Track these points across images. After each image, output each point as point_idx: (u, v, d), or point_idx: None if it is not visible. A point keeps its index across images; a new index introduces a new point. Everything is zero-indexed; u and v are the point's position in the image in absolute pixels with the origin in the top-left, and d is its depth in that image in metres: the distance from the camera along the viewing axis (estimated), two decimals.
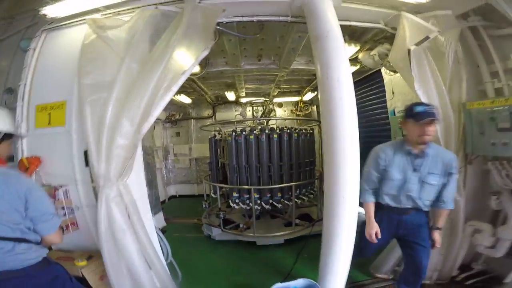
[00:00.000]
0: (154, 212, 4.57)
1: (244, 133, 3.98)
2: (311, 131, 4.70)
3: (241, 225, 4.14)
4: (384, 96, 3.68)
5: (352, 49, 3.19)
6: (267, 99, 5.50)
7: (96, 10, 2.19)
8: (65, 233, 2.28)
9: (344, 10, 2.27)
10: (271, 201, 3.92)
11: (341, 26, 2.11)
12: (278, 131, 3.99)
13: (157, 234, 2.49)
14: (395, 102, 3.39)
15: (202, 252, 3.79)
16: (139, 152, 2.37)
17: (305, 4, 2.09)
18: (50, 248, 2.54)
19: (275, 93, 5.71)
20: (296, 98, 6.45)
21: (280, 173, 4.00)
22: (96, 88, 1.91)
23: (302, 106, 6.49)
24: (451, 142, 2.31)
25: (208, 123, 6.28)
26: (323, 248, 2.26)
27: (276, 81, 4.74)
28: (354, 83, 4.37)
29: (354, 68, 3.81)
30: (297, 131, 4.13)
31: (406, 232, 2.06)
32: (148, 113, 1.86)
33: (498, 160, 2.22)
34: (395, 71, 3.22)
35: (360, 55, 3.31)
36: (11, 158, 2.30)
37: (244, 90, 5.29)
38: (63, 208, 2.29)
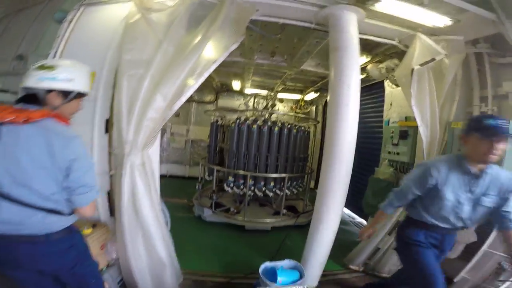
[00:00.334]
0: None
1: (247, 122, 4.20)
2: (308, 130, 5.00)
3: (231, 209, 4.41)
4: (383, 106, 3.98)
5: (363, 59, 3.47)
6: (270, 94, 5.71)
7: None
8: None
9: (365, 25, 2.48)
10: (264, 188, 4.19)
11: (359, 38, 2.34)
12: (279, 125, 4.23)
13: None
14: (391, 113, 3.71)
15: (192, 231, 3.97)
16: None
17: (331, 16, 2.30)
18: None
19: (279, 89, 5.93)
20: (298, 96, 6.72)
21: (276, 163, 4.26)
22: (134, 64, 2.04)
23: (302, 104, 6.77)
24: (433, 155, 2.66)
25: (209, 108, 6.43)
26: (310, 234, 2.57)
27: (283, 78, 4.96)
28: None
29: (361, 76, 4.11)
30: (296, 127, 4.41)
31: (444, 248, 1.92)
32: (181, 93, 2.04)
33: None
34: (397, 85, 3.49)
35: (369, 66, 3.58)
36: None
37: (250, 81, 5.46)
38: None
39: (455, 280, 2.52)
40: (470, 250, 2.55)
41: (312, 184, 7.23)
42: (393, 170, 3.50)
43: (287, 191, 4.32)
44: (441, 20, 2.32)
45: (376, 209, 3.52)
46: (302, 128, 4.61)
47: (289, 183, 4.39)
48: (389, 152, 3.46)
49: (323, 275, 2.81)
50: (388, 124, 3.64)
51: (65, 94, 1.34)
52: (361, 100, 4.78)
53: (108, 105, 2.33)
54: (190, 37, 2.14)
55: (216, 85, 6.33)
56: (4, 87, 4.27)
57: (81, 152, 1.31)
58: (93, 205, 1.39)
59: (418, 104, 2.54)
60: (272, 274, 2.42)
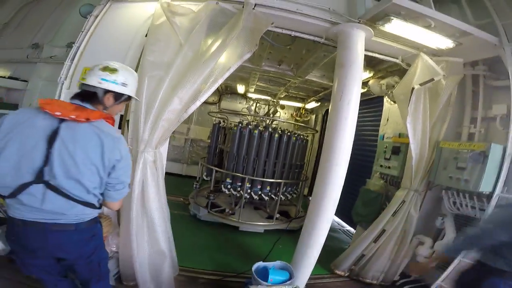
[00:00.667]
0: None
1: (249, 126, 4.33)
2: (307, 138, 5.15)
3: (227, 210, 4.50)
4: (379, 120, 4.17)
5: (366, 74, 3.65)
6: (274, 100, 5.87)
7: None
8: None
9: (372, 43, 2.65)
10: (260, 192, 4.30)
11: (365, 55, 2.48)
12: (280, 131, 4.38)
13: None
14: (386, 129, 3.90)
15: (187, 229, 4.05)
16: None
17: (341, 33, 2.47)
18: None
19: (282, 96, 6.09)
20: (300, 104, 6.89)
21: (274, 169, 4.40)
22: (156, 65, 2.14)
23: (303, 112, 6.94)
24: (420, 171, 2.84)
25: (212, 109, 6.54)
26: (301, 237, 2.68)
27: (287, 86, 5.13)
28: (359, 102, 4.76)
29: (362, 91, 4.30)
30: (296, 135, 4.56)
31: None
32: (196, 97, 2.16)
33: (450, 190, 2.76)
34: (395, 102, 3.62)
35: (371, 82, 3.77)
36: None
37: (254, 86, 5.61)
38: None
39: (432, 287, 2.65)
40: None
41: (306, 191, 7.38)
42: (383, 182, 3.67)
43: (281, 196, 4.44)
44: (444, 43, 2.50)
45: (364, 218, 3.72)
46: (301, 136, 4.76)
47: (284, 189, 4.51)
48: (381, 166, 3.64)
49: (310, 279, 2.89)
50: (383, 139, 3.82)
51: (118, 96, 1.46)
52: (360, 113, 5.04)
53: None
54: (208, 43, 2.28)
55: (220, 87, 6.46)
56: (14, 74, 4.34)
57: (125, 153, 1.41)
58: (122, 201, 1.50)
59: (413, 123, 2.71)
60: (263, 274, 2.53)
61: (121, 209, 2.32)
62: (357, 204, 4.06)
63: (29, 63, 4.18)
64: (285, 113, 7.33)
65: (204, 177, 4.91)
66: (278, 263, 2.81)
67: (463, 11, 2.78)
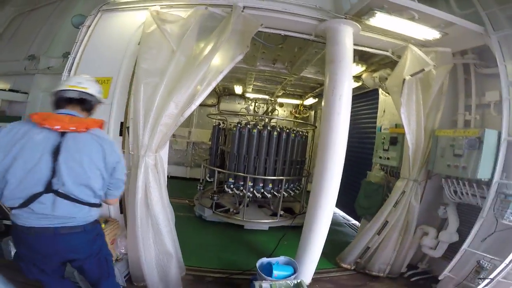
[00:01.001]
0: None
1: (248, 126, 4.39)
2: (306, 134, 5.18)
3: (231, 209, 4.57)
4: (376, 113, 4.20)
5: (359, 68, 3.69)
6: (272, 99, 5.92)
7: (154, 0, 2.48)
8: None
9: (361, 37, 2.69)
10: (262, 190, 4.35)
11: (355, 49, 2.54)
12: (278, 129, 4.42)
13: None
14: (383, 120, 3.93)
15: (193, 230, 4.14)
16: None
17: (329, 29, 2.52)
18: None
19: (280, 94, 6.14)
20: (298, 101, 6.92)
21: (274, 166, 4.44)
22: (150, 72, 2.22)
23: (301, 109, 6.98)
24: (417, 160, 2.86)
25: (211, 111, 6.61)
26: (303, 232, 2.73)
27: (283, 83, 5.17)
28: (355, 96, 4.92)
29: (357, 84, 4.33)
30: (294, 132, 4.60)
31: None
32: (191, 101, 2.24)
33: (450, 178, 2.77)
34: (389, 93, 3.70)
35: (364, 75, 3.80)
36: None
37: (251, 86, 5.66)
38: None
39: (439, 278, 2.69)
40: (453, 249, 2.74)
41: (309, 187, 7.42)
42: (384, 174, 3.70)
43: (284, 193, 4.48)
44: (431, 33, 2.53)
45: (367, 211, 3.74)
46: (300, 132, 4.80)
47: (287, 186, 4.56)
48: (380, 157, 3.66)
49: (316, 273, 2.94)
50: (381, 130, 3.84)
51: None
52: (357, 107, 5.10)
53: (123, 109, 2.53)
54: (200, 47, 2.35)
55: (218, 89, 6.53)
56: (14, 86, 4.45)
57: (121, 154, 1.58)
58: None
59: (406, 113, 2.75)
60: (268, 269, 2.59)
61: (127, 212, 2.41)
62: (359, 196, 4.10)
63: (27, 75, 4.27)
64: (284, 111, 7.37)
65: (208, 179, 4.98)
66: (282, 258, 2.87)
67: (448, 2, 2.79)
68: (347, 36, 2.45)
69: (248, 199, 4.74)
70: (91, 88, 1.56)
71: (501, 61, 2.40)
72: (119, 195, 1.64)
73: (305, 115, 7.25)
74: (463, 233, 2.78)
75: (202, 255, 3.31)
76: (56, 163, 1.31)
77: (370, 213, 3.61)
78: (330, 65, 2.48)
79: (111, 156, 1.47)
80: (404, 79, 2.62)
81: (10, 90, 4.34)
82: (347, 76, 2.45)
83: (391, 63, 3.25)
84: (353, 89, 4.69)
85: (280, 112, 7.21)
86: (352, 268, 3.24)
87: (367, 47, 2.87)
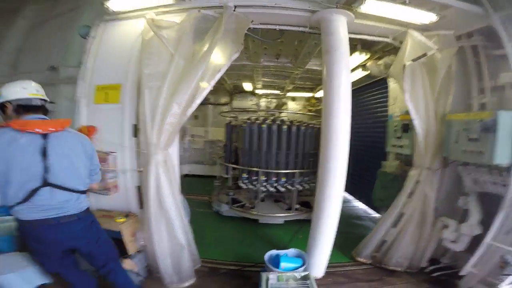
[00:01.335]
0: None
1: (258, 121, 4.45)
2: (319, 126, 5.09)
3: (246, 204, 4.69)
4: (387, 101, 4.03)
5: (363, 57, 3.57)
6: (281, 93, 5.91)
7: (151, 8, 2.62)
8: (109, 194, 2.79)
9: (358, 25, 2.63)
10: (275, 184, 4.40)
11: (353, 38, 2.48)
12: (288, 123, 4.42)
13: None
14: (394, 108, 3.75)
15: (211, 224, 4.33)
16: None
17: (322, 20, 2.49)
18: None
19: (290, 88, 6.10)
20: (309, 94, 6.83)
21: (286, 160, 4.46)
22: (152, 77, 2.38)
23: (314, 102, 6.87)
24: (430, 147, 2.72)
25: (224, 109, 6.77)
26: (312, 225, 2.76)
27: (291, 77, 5.13)
28: (366, 85, 4.76)
29: (364, 73, 4.18)
30: (304, 125, 4.57)
31: None
32: (192, 100, 2.36)
33: (468, 165, 2.57)
34: None
35: (369, 63, 3.68)
36: None
37: (260, 82, 5.70)
38: (111, 171, 2.77)
39: (461, 273, 2.52)
40: (477, 243, 2.51)
41: None
42: (398, 163, 3.56)
43: (298, 186, 4.49)
44: (427, 17, 2.41)
45: (384, 202, 3.63)
46: (311, 125, 4.75)
47: (301, 179, 4.56)
48: (394, 145, 3.53)
49: (331, 267, 2.94)
50: (392, 118, 3.68)
51: None
52: (369, 96, 4.90)
53: (134, 112, 2.72)
54: (197, 49, 2.45)
55: (229, 88, 6.67)
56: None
57: (93, 144, 1.90)
58: None
59: (412, 99, 2.63)
60: (278, 262, 2.65)
61: (144, 206, 2.60)
62: (376, 188, 3.99)
63: (50, 85, 4.59)
64: (297, 105, 7.30)
65: (224, 175, 5.14)
66: (292, 250, 2.90)
67: None
68: (340, 26, 2.41)
69: (264, 194, 4.84)
70: (44, 95, 1.78)
71: (507, 41, 2.21)
72: (100, 178, 2.00)
73: (318, 108, 7.12)
74: (488, 225, 2.52)
75: (218, 249, 3.46)
76: (46, 160, 1.56)
77: (387, 204, 3.46)
78: (326, 56, 2.45)
79: (89, 147, 1.79)
80: (404, 65, 2.50)
81: None
82: (344, 65, 2.42)
83: (395, 50, 3.11)
84: (363, 79, 4.63)
85: (293, 106, 7.17)
86: (369, 262, 3.14)
87: (366, 34, 2.80)
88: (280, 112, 4.86)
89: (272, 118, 4.66)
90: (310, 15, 2.50)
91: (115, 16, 2.80)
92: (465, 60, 2.82)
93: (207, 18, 2.53)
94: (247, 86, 6.12)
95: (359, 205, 5.59)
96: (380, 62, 3.43)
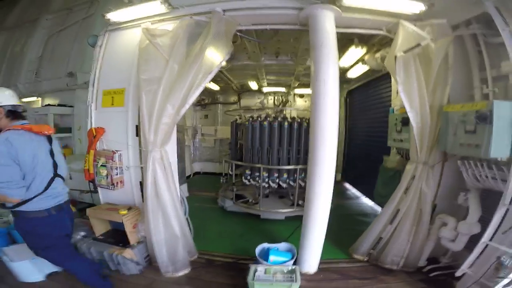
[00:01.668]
0: (180, 182, 5.42)
1: (259, 119, 4.53)
2: None
3: (250, 200, 4.80)
4: (390, 95, 3.92)
5: (360, 51, 3.51)
6: (287, 90, 5.92)
7: (146, 18, 2.83)
8: (115, 189, 3.07)
9: (346, 20, 2.62)
10: (277, 180, 4.46)
11: (347, 32, 2.49)
12: (289, 119, 4.46)
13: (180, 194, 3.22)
14: (396, 102, 3.65)
15: (214, 219, 4.49)
16: (174, 129, 3.08)
17: (309, 16, 2.52)
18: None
19: (296, 85, 6.09)
20: None
21: (288, 156, 4.50)
22: (149, 82, 2.57)
23: None
24: (425, 141, 2.64)
25: (233, 108, 6.94)
26: (303, 220, 2.79)
27: (295, 74, 5.14)
28: (371, 80, 4.66)
29: (367, 67, 4.11)
30: (306, 121, 4.57)
31: None
32: (185, 101, 2.52)
33: (467, 160, 2.45)
34: None
35: (366, 57, 3.61)
36: None
37: (265, 80, 5.77)
38: (116, 168, 3.06)
39: (456, 274, 2.39)
40: (475, 243, 2.37)
41: (338, 177, 7.20)
42: (399, 158, 3.47)
43: (301, 182, 4.50)
44: (416, 6, 2.35)
45: (385, 199, 3.55)
46: None
47: (303, 174, 4.57)
48: (394, 140, 3.44)
49: (325, 263, 2.96)
50: (393, 112, 3.59)
51: None
52: (376, 90, 4.78)
53: (136, 114, 2.94)
54: (190, 53, 2.59)
55: (236, 87, 6.80)
56: (62, 102, 5.34)
57: None
58: None
59: (406, 91, 2.57)
60: (268, 255, 2.74)
61: (144, 200, 2.79)
62: (378, 184, 3.93)
63: (69, 90, 5.03)
64: (306, 101, 7.24)
65: (230, 172, 5.29)
66: (283, 245, 2.98)
67: None
68: (327, 21, 2.42)
69: (268, 190, 4.92)
70: None
71: (503, 27, 2.10)
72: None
73: None
74: (485, 223, 2.40)
75: (218, 242, 3.59)
76: (53, 157, 1.99)
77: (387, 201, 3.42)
78: (313, 52, 2.48)
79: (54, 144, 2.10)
80: (396, 56, 2.45)
81: (58, 105, 5.24)
82: (331, 60, 2.42)
83: (391, 42, 3.02)
84: (369, 73, 4.51)
85: (301, 102, 7.13)
86: (365, 259, 3.09)
87: (358, 28, 2.76)
88: (284, 110, 4.89)
89: (274, 115, 4.71)
90: (298, 12, 2.54)
91: (117, 26, 3.05)
92: (465, 49, 2.69)
93: (199, 24, 2.67)
94: (253, 85, 6.21)
95: (368, 202, 5.48)
96: (377, 55, 3.36)
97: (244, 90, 7.14)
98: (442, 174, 2.86)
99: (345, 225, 4.25)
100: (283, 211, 4.42)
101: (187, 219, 3.38)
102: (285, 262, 2.66)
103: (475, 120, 2.21)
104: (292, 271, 2.47)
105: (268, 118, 4.47)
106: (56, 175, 1.98)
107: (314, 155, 2.56)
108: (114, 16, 2.92)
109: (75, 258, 2.18)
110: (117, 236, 2.99)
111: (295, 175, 4.45)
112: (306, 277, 2.74)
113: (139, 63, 2.62)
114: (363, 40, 3.40)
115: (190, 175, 7.60)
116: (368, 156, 5.37)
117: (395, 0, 2.29)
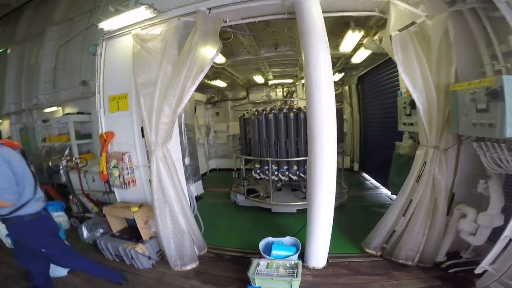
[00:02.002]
0: (194, 180, 5.60)
1: (264, 112, 4.49)
2: None
3: (262, 194, 4.81)
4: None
5: (358, 35, 3.33)
6: (293, 81, 5.77)
7: (137, 24, 2.92)
8: (127, 188, 3.28)
9: (335, 3, 2.50)
10: (287, 173, 4.40)
11: (340, 16, 2.42)
12: (295, 110, 4.35)
13: (188, 191, 3.33)
14: (403, 84, 3.39)
15: (226, 214, 4.58)
16: (176, 127, 3.19)
17: (294, 3, 2.43)
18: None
19: (302, 75, 5.91)
20: None
21: (296, 147, 4.40)
22: (145, 85, 2.67)
23: None
24: (434, 123, 2.43)
25: (238, 104, 6.95)
26: (308, 214, 2.75)
27: (299, 64, 4.99)
28: (380, 65, 4.36)
29: (369, 52, 3.88)
30: None
31: None
32: (180, 100, 2.58)
33: (483, 141, 2.19)
34: None
35: (365, 40, 3.41)
36: None
37: (270, 73, 5.67)
38: (127, 168, 3.26)
39: (475, 271, 2.17)
40: (499, 235, 2.11)
41: (356, 167, 6.94)
42: (412, 142, 3.24)
43: None
44: None
45: (399, 188, 3.34)
46: None
47: None
48: (404, 124, 3.22)
49: (336, 257, 2.91)
50: (401, 95, 3.35)
51: None
52: (383, 75, 4.50)
53: (140, 116, 3.02)
54: (181, 54, 2.64)
55: (243, 82, 6.77)
56: (80, 109, 5.69)
57: None
58: None
59: (407, 71, 2.39)
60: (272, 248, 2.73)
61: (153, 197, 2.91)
62: (392, 172, 3.74)
63: (85, 98, 5.31)
64: None
65: (241, 167, 5.32)
66: (287, 239, 2.95)
67: None
68: (312, 6, 2.32)
69: (281, 183, 4.89)
70: None
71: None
72: None
73: (337, 92, 6.76)
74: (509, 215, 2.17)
75: (228, 237, 3.66)
76: (30, 167, 2.16)
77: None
78: (301, 39, 2.40)
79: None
80: (390, 36, 2.28)
81: (77, 113, 5.59)
82: (320, 46, 2.33)
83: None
84: (377, 58, 4.24)
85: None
86: (378, 254, 2.92)
87: (350, 11, 2.61)
88: (290, 100, 4.78)
89: (279, 107, 4.62)
90: (282, 1, 2.46)
91: (111, 34, 3.19)
92: (467, 24, 2.43)
93: (187, 24, 2.70)
94: (258, 79, 6.15)
95: (387, 192, 5.22)
96: (376, 37, 3.15)
97: (252, 85, 7.10)
98: (458, 159, 2.62)
99: (360, 217, 4.10)
100: (294, 204, 4.38)
101: (196, 215, 3.50)
102: (288, 256, 2.64)
103: (486, 97, 1.99)
104: (295, 266, 2.44)
105: (273, 110, 4.41)
106: (36, 181, 2.19)
107: (312, 146, 2.50)
108: (105, 25, 3.06)
109: (78, 256, 2.39)
110: (132, 232, 3.20)
111: (305, 167, 4.36)
112: (313, 272, 2.72)
113: (134, 68, 2.72)
114: (359, 23, 3.21)
115: (206, 172, 7.78)
116: (384, 144, 5.10)
117: None
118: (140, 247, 2.86)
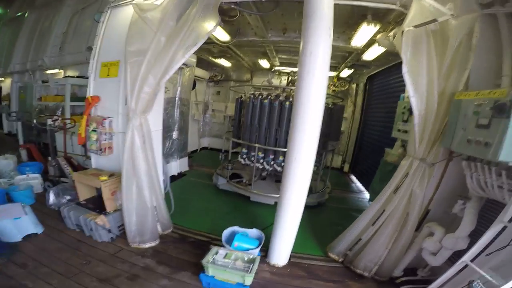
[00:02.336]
0: (180, 156, 5.49)
1: (261, 97, 4.29)
2: (331, 106, 4.67)
3: (244, 180, 4.71)
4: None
5: (373, 29, 3.08)
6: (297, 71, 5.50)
7: None
8: (102, 154, 3.16)
9: None
10: (272, 162, 4.25)
11: (359, 6, 2.26)
12: (291, 100, 4.14)
13: (162, 166, 3.20)
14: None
15: (204, 195, 4.51)
16: (161, 98, 3.11)
17: None
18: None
19: None
20: (333, 73, 6.26)
21: (286, 138, 4.17)
22: (136, 53, 2.55)
23: (335, 81, 6.30)
24: (426, 133, 2.27)
25: (239, 85, 6.79)
26: (277, 210, 2.63)
27: None
28: (392, 66, 4.04)
29: (383, 49, 3.64)
30: None
31: None
32: (166, 72, 2.48)
33: (473, 161, 2.04)
34: None
35: (378, 36, 3.16)
36: None
37: (277, 59, 5.42)
38: (105, 134, 3.14)
39: None
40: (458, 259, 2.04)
41: (346, 168, 6.81)
42: (401, 151, 3.08)
43: None
44: None
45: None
46: None
47: None
48: (399, 130, 3.04)
49: (298, 257, 2.84)
50: (403, 99, 3.15)
51: None
52: (394, 78, 4.27)
53: None
54: (176, 25, 2.49)
55: (249, 65, 6.53)
56: (81, 74, 5.71)
57: None
58: None
59: (411, 71, 2.18)
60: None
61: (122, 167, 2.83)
62: (375, 178, 3.60)
63: (87, 63, 5.27)
64: None
65: (228, 149, 5.20)
66: (253, 231, 2.86)
67: None
68: None
69: (266, 172, 4.78)
70: None
71: None
72: None
73: (343, 88, 6.51)
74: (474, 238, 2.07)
75: (199, 219, 3.56)
76: None
77: None
78: (304, 20, 2.18)
79: None
80: (402, 31, 2.07)
81: (77, 76, 5.57)
82: (323, 31, 2.11)
83: None
84: (389, 59, 3.99)
85: None
86: (340, 260, 2.85)
87: (369, 1, 2.41)
88: (289, 89, 4.56)
89: (276, 94, 4.41)
90: None
91: (118, 3, 3.13)
92: (497, 30, 2.18)
93: None
94: (264, 63, 5.91)
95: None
96: (391, 34, 2.90)
97: (257, 69, 6.86)
98: (443, 176, 2.48)
99: (335, 219, 4.02)
100: (273, 196, 4.28)
101: (168, 192, 3.41)
102: (249, 249, 2.55)
103: (491, 111, 1.78)
104: (253, 260, 2.36)
105: (269, 97, 4.22)
106: None
107: (292, 137, 2.35)
108: None
109: None
110: (99, 202, 3.01)
111: None
112: (273, 269, 2.64)
113: (127, 36, 2.61)
114: (377, 16, 2.95)
115: (197, 150, 7.69)
116: (379, 149, 4.92)
117: None
118: (101, 219, 2.76)
